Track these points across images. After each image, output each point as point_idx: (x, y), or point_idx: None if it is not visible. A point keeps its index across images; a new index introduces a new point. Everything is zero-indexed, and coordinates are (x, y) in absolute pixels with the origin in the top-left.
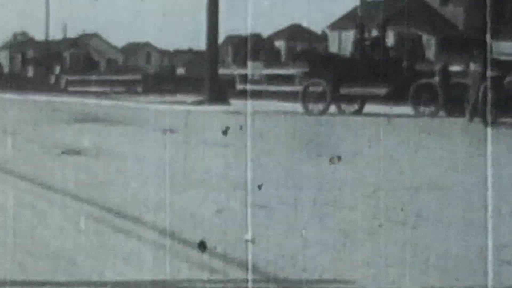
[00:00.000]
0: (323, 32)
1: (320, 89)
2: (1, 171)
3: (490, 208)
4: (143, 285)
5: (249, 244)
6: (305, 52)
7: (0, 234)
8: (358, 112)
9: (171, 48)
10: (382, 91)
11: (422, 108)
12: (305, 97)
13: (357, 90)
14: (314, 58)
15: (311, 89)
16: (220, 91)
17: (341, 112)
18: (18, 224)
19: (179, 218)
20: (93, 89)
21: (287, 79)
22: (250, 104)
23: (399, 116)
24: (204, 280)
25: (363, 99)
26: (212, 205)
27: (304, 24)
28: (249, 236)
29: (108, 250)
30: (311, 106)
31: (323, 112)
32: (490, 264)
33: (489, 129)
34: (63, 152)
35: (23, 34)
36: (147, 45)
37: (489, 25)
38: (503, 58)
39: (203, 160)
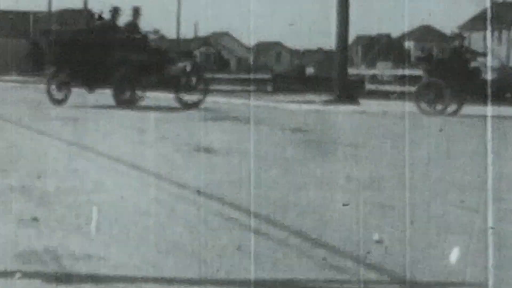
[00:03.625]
0: (453, 33)
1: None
2: (134, 168)
3: None
4: (273, 285)
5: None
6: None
7: (132, 230)
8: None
9: (301, 47)
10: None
11: None
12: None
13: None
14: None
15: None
16: (349, 90)
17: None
18: (150, 221)
19: (306, 217)
20: (224, 87)
21: (415, 80)
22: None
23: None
24: (330, 280)
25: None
26: (336, 205)
27: (435, 25)
28: (376, 236)
29: (238, 249)
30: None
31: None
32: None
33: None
34: (194, 150)
35: (155, 32)
36: (277, 44)
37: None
38: None
39: (332, 159)
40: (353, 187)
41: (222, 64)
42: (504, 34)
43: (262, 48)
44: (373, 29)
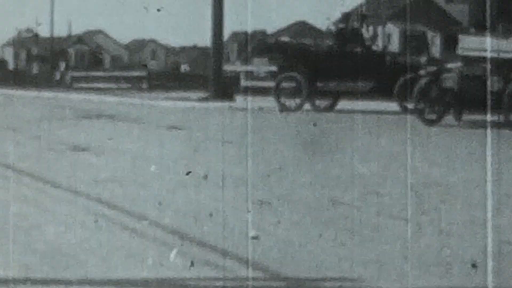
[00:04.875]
0: (328, 29)
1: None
2: (6, 167)
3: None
4: (145, 283)
5: (250, 241)
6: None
7: (3, 231)
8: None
9: (176, 44)
10: (363, 86)
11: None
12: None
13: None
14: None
15: (285, 84)
16: (225, 87)
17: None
18: (21, 221)
19: (183, 216)
20: (98, 85)
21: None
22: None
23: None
24: (205, 278)
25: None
26: (215, 202)
27: (309, 21)
28: (252, 232)
29: (113, 248)
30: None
31: (299, 108)
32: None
33: (488, 129)
34: (68, 149)
35: (28, 30)
36: (152, 41)
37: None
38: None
39: (207, 156)
40: (229, 183)
41: (96, 62)
42: (379, 29)
43: (137, 45)
44: (249, 25)
